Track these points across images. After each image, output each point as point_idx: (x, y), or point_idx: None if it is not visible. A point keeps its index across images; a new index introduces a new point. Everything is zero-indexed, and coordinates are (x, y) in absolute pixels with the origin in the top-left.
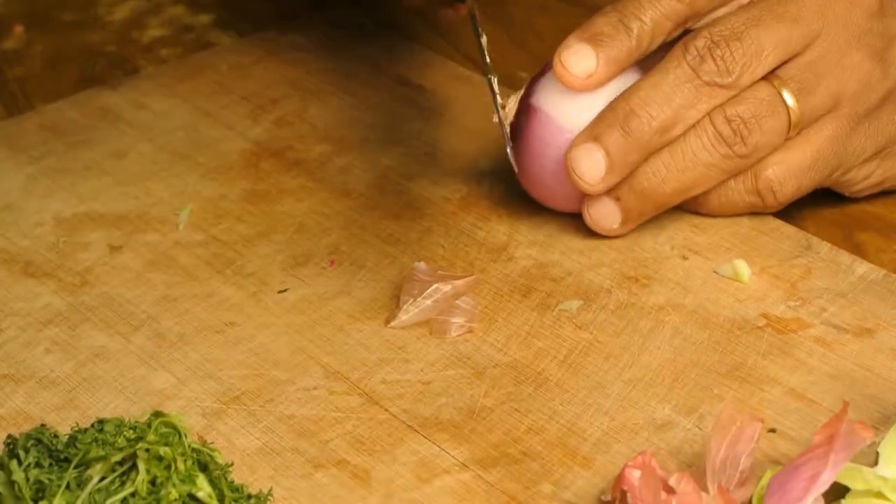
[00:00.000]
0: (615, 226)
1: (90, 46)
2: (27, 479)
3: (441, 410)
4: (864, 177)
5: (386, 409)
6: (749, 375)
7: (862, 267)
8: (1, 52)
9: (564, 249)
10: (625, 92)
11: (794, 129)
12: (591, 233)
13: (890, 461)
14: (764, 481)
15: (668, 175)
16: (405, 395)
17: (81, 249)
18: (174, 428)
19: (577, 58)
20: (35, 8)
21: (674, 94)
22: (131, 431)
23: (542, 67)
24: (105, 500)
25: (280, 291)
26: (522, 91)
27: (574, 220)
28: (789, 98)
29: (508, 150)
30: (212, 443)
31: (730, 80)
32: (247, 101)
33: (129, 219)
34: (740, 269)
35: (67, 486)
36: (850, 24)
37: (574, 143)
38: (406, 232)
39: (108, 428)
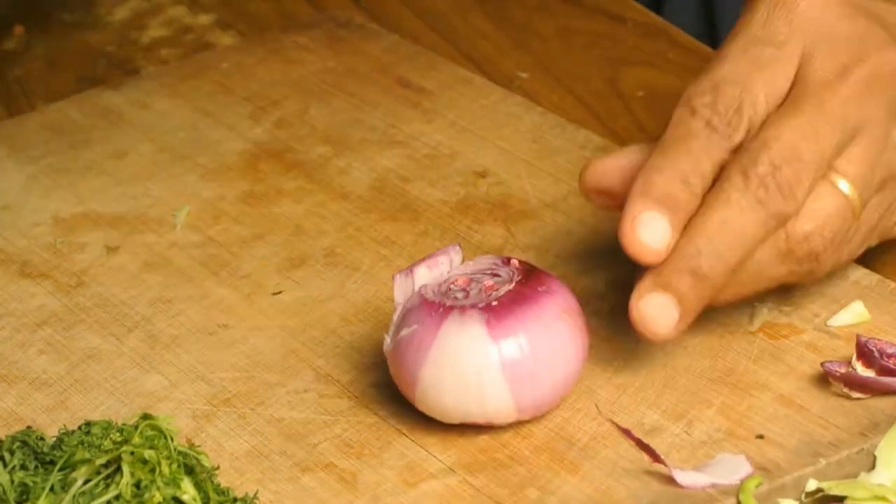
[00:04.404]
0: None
1: (90, 46)
2: (12, 482)
3: None
4: None
5: (375, 413)
6: (739, 381)
7: (856, 272)
8: (1, 52)
9: (560, 253)
10: (688, 231)
11: (857, 217)
12: (585, 237)
13: (888, 465)
14: (750, 485)
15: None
16: (395, 399)
17: (78, 250)
18: (160, 431)
19: (651, 228)
20: (35, 8)
21: (743, 231)
22: (118, 434)
23: None
24: (89, 502)
25: (274, 293)
26: None
27: (570, 224)
28: (854, 197)
29: None
30: (199, 446)
31: (795, 205)
32: (248, 101)
33: (127, 219)
34: (860, 312)
35: (52, 489)
36: (889, 107)
37: (639, 293)
38: (402, 234)
39: (95, 430)
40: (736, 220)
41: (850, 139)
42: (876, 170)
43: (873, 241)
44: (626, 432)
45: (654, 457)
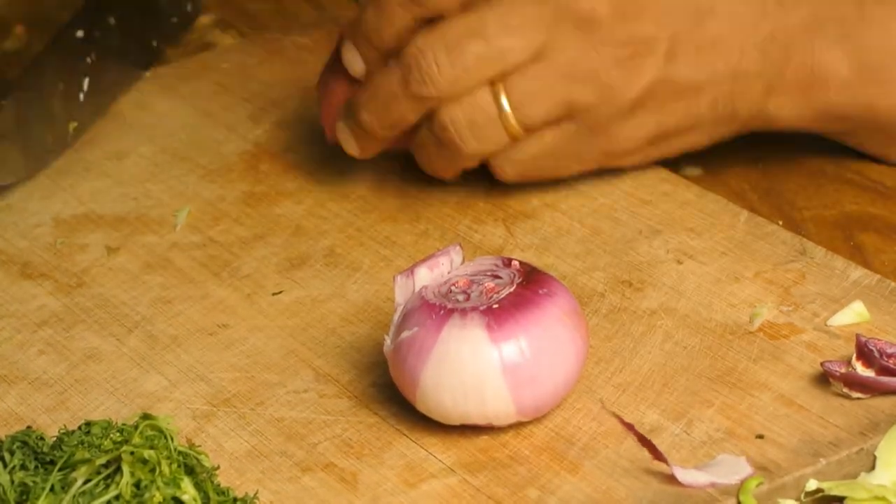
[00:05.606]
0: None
1: None
2: (12, 482)
3: None
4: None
5: (375, 413)
6: (739, 381)
7: (856, 272)
8: (1, 53)
9: (559, 253)
10: (363, 84)
11: (515, 137)
12: (587, 237)
13: (888, 465)
14: (750, 485)
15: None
16: (395, 399)
17: (79, 251)
18: (160, 431)
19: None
20: (35, 8)
21: (388, 103)
22: (118, 434)
23: None
24: (89, 502)
25: (274, 294)
26: None
27: (569, 224)
28: (507, 107)
29: None
30: (199, 446)
31: (436, 91)
32: (248, 102)
33: (128, 220)
34: (860, 312)
35: (52, 489)
36: (586, 34)
37: (340, 118)
38: (402, 234)
39: (94, 430)
40: (384, 91)
41: (527, 55)
42: (549, 93)
43: (591, 166)
44: (629, 426)
45: (656, 454)
